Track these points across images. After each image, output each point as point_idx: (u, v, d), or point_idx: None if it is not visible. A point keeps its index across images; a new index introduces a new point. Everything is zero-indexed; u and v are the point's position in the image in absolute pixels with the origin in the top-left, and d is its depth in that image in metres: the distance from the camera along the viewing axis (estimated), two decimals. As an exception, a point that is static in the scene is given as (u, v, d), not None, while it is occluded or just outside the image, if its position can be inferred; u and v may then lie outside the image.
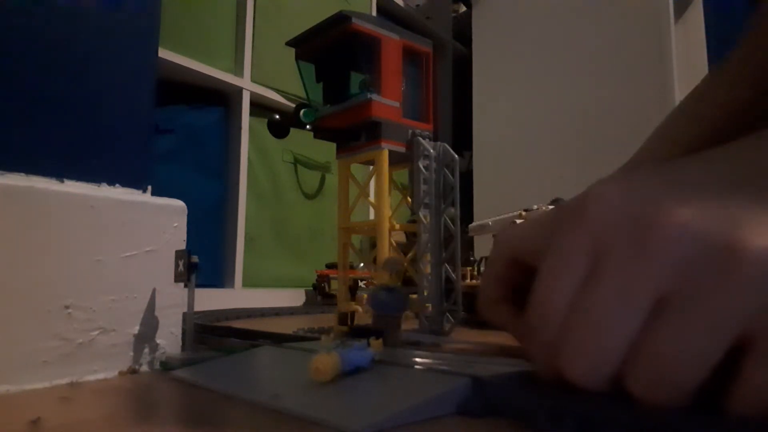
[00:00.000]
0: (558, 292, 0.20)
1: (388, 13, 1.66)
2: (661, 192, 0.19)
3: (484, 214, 0.90)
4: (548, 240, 0.24)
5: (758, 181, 0.19)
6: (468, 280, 0.77)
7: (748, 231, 0.17)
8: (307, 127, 0.48)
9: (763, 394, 0.17)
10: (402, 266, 0.34)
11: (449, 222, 0.47)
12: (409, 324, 0.42)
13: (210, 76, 1.13)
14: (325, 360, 0.26)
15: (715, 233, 0.18)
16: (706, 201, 0.19)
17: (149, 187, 0.40)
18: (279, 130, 0.47)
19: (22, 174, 0.33)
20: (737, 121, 0.28)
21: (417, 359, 0.30)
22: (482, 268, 0.78)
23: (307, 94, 0.50)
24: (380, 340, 0.30)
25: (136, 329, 0.36)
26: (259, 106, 1.23)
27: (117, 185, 0.38)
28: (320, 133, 0.49)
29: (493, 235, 0.76)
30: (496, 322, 0.29)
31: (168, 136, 1.08)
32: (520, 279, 0.27)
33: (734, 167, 0.21)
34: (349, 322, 0.51)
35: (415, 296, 0.46)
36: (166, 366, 0.36)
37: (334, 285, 1.17)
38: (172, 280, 0.38)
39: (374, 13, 1.54)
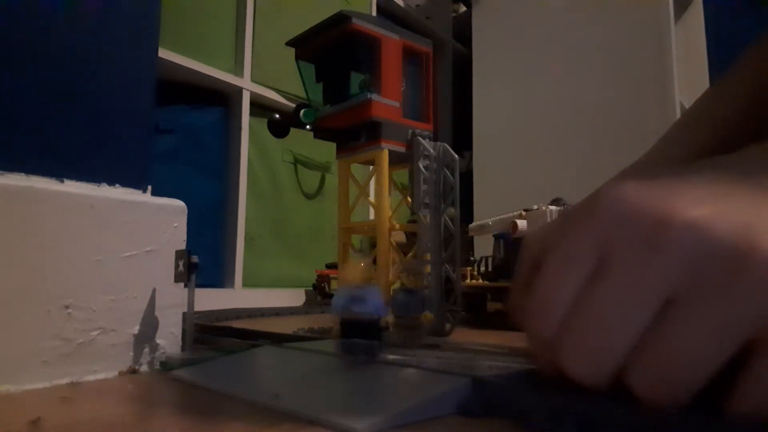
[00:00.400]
0: (561, 287, 0.20)
1: (388, 13, 1.66)
2: (674, 192, 0.19)
3: (484, 214, 0.90)
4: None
5: None
6: (468, 280, 0.77)
7: (760, 233, 0.17)
8: (307, 127, 0.48)
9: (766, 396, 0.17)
10: (422, 270, 0.34)
11: (449, 222, 0.47)
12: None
13: (210, 76, 1.13)
14: (356, 268, 0.27)
15: (727, 235, 0.17)
16: (718, 203, 0.18)
17: (149, 187, 0.40)
18: (279, 129, 0.47)
19: (22, 174, 0.33)
20: (740, 129, 0.28)
21: (417, 359, 0.30)
22: (482, 268, 0.78)
23: (307, 94, 0.50)
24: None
25: (136, 329, 0.36)
26: (259, 106, 1.23)
27: (117, 185, 0.38)
28: (320, 133, 0.49)
29: (494, 235, 0.76)
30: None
31: (168, 136, 1.08)
32: None
33: (748, 172, 0.21)
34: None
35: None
36: (166, 366, 0.36)
37: (334, 285, 1.17)
38: (172, 280, 0.38)
39: (374, 13, 1.54)
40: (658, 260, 0.18)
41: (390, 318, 0.32)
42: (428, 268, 0.46)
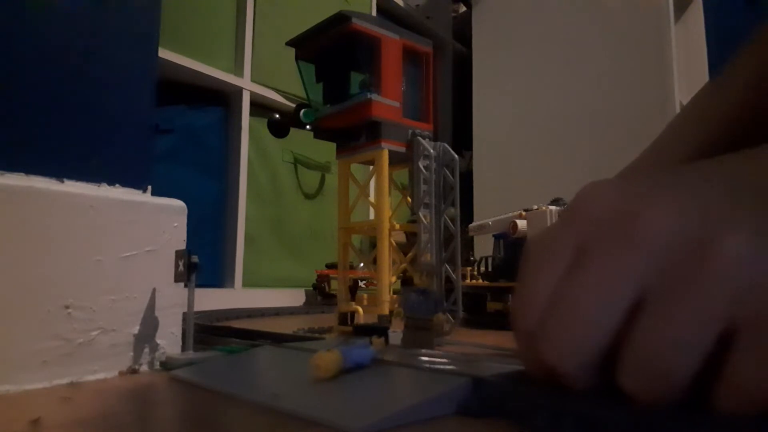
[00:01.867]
0: (541, 280, 0.21)
1: (388, 13, 1.66)
2: (648, 190, 0.20)
3: (484, 214, 0.90)
4: None
5: (747, 189, 0.20)
6: (468, 280, 0.77)
7: (727, 227, 0.18)
8: (307, 127, 0.48)
9: (749, 388, 0.16)
10: (435, 269, 0.33)
11: (449, 222, 0.47)
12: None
13: (210, 76, 1.13)
14: (326, 357, 0.26)
15: (694, 228, 0.18)
16: (687, 199, 0.19)
17: (149, 187, 0.40)
18: (279, 130, 0.47)
19: (22, 174, 0.33)
20: (739, 125, 0.28)
21: (417, 359, 0.30)
22: (482, 268, 0.78)
23: (307, 94, 0.50)
24: (382, 339, 0.31)
25: (136, 329, 0.36)
26: (259, 106, 1.23)
27: (117, 185, 0.38)
28: (320, 133, 0.49)
29: (494, 235, 0.76)
30: None
31: (168, 136, 1.08)
32: None
33: (722, 171, 0.21)
34: (349, 322, 0.51)
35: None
36: (166, 366, 0.36)
37: (334, 285, 1.17)
38: (172, 280, 0.38)
39: (374, 13, 1.54)
40: (629, 253, 0.19)
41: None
42: (428, 268, 0.46)
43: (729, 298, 0.17)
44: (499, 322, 0.69)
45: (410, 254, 0.49)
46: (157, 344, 0.38)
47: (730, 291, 0.17)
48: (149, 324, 0.37)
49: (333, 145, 0.50)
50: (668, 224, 0.18)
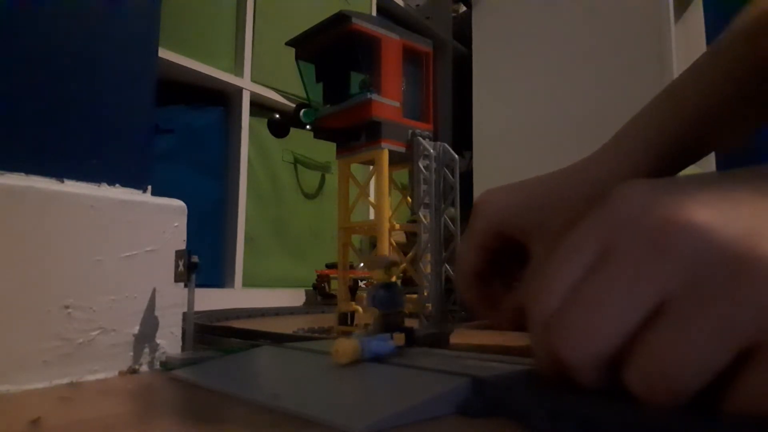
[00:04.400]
0: (562, 273, 0.21)
1: (388, 13, 1.66)
2: (684, 195, 0.20)
3: (484, 214, 0.90)
4: (538, 215, 0.25)
5: None
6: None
7: (762, 241, 0.17)
8: (307, 127, 0.48)
9: (762, 403, 0.17)
10: (391, 260, 0.34)
11: (449, 222, 0.47)
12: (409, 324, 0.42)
13: (210, 76, 1.13)
14: (345, 344, 0.29)
15: (730, 240, 0.18)
16: (725, 209, 0.19)
17: (149, 187, 0.40)
18: (279, 129, 0.47)
19: (22, 174, 0.33)
20: (743, 87, 0.28)
21: (417, 359, 0.30)
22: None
23: (307, 94, 0.50)
24: (403, 334, 0.33)
25: (136, 329, 0.36)
26: (259, 106, 1.23)
27: (117, 185, 0.38)
28: (320, 133, 0.49)
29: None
30: (469, 295, 0.30)
31: (168, 136, 1.08)
32: (499, 250, 0.29)
33: (760, 182, 0.21)
34: (349, 322, 0.51)
35: (414, 296, 0.46)
36: (166, 366, 0.36)
37: (334, 285, 1.17)
38: (172, 280, 0.38)
39: (374, 13, 1.54)
40: (659, 258, 0.18)
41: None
42: (428, 268, 0.46)
43: (754, 318, 0.17)
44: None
45: (410, 254, 0.49)
46: (157, 344, 0.38)
47: (756, 311, 0.17)
48: (149, 324, 0.37)
49: (333, 145, 0.50)
50: (700, 234, 0.18)
